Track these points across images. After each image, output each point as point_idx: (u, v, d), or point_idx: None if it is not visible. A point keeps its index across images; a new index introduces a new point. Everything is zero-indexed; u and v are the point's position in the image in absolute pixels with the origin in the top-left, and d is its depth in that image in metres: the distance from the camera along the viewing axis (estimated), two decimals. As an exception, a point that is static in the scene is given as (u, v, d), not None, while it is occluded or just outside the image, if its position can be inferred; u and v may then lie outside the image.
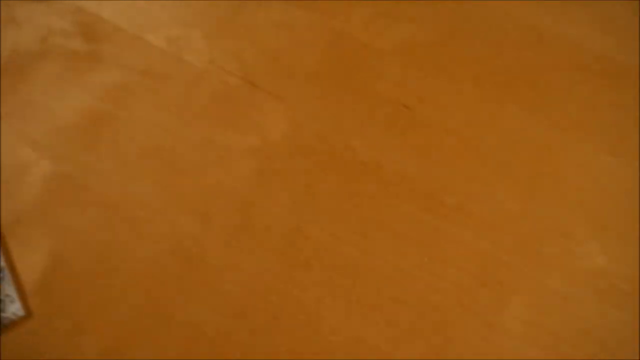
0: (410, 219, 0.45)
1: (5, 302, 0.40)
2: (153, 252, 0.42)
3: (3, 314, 0.39)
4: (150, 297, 0.40)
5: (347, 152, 0.49)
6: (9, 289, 0.41)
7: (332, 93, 0.53)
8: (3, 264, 0.42)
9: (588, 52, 0.56)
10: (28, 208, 0.46)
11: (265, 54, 0.57)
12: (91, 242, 0.44)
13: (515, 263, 0.42)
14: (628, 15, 0.59)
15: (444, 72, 0.55)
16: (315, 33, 0.58)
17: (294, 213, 0.45)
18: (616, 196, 0.46)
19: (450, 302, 0.40)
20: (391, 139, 0.50)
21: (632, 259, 0.43)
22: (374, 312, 0.39)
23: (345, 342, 0.39)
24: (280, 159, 0.49)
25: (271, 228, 0.45)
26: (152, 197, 0.46)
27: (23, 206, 0.46)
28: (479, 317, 0.39)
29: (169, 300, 0.41)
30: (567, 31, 0.58)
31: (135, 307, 0.40)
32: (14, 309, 0.40)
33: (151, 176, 0.48)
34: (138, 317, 0.39)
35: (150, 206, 0.46)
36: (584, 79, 0.54)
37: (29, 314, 0.40)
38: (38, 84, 0.55)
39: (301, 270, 0.43)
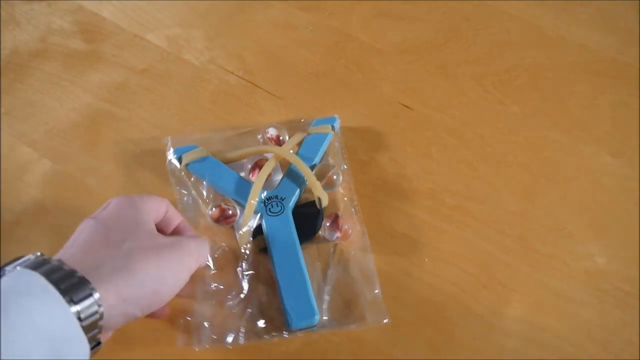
0: (410, 218, 0.45)
1: None
2: (153, 252, 0.42)
3: None
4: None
5: (347, 152, 0.49)
6: None
7: (333, 93, 0.53)
8: None
9: (588, 52, 0.56)
10: (28, 208, 0.46)
11: (265, 53, 0.57)
12: (91, 242, 0.43)
13: (515, 263, 0.43)
14: (628, 15, 0.59)
15: (444, 72, 0.55)
16: (315, 33, 0.58)
17: (294, 213, 0.45)
18: (616, 196, 0.46)
19: (450, 302, 0.40)
20: (391, 139, 0.50)
21: (632, 259, 0.43)
22: (375, 312, 0.39)
23: (346, 342, 0.39)
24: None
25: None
26: (152, 197, 0.46)
27: (23, 206, 0.46)
28: (479, 317, 0.39)
29: (169, 300, 0.41)
30: (567, 31, 0.58)
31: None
32: None
33: (151, 176, 0.48)
34: (138, 317, 0.39)
35: (150, 206, 0.46)
36: (584, 79, 0.54)
37: None
38: (38, 84, 0.55)
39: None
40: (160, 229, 0.38)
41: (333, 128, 0.48)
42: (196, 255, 0.35)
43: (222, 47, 0.57)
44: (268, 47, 0.57)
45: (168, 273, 0.32)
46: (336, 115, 0.49)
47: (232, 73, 0.55)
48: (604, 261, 0.43)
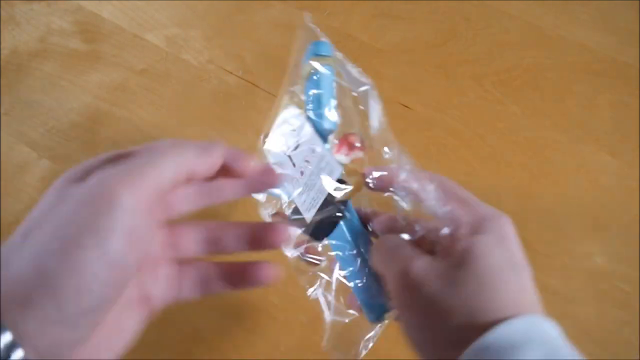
0: (410, 219, 0.45)
1: None
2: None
3: None
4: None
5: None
6: None
7: (332, 93, 0.53)
8: None
9: (588, 52, 0.56)
10: (28, 208, 0.46)
11: (265, 53, 0.57)
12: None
13: (515, 263, 0.42)
14: (628, 15, 0.59)
15: (444, 72, 0.55)
16: (315, 33, 0.58)
17: (293, 213, 0.45)
18: (615, 196, 0.46)
19: (450, 302, 0.40)
20: (391, 139, 0.50)
21: (632, 259, 0.43)
22: (374, 312, 0.39)
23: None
24: (280, 159, 0.49)
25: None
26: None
27: (23, 206, 0.46)
28: (479, 317, 0.39)
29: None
30: (567, 31, 0.58)
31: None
32: None
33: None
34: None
35: (149, 206, 0.46)
36: (584, 79, 0.54)
37: None
38: (37, 84, 0.55)
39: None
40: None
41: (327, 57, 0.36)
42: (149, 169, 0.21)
43: (221, 47, 0.57)
44: (267, 47, 0.57)
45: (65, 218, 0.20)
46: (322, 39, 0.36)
47: (232, 73, 0.55)
48: (603, 261, 0.43)
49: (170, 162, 0.22)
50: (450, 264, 0.25)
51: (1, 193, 0.47)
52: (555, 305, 0.40)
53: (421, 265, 0.26)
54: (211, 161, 0.25)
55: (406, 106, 0.52)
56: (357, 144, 0.34)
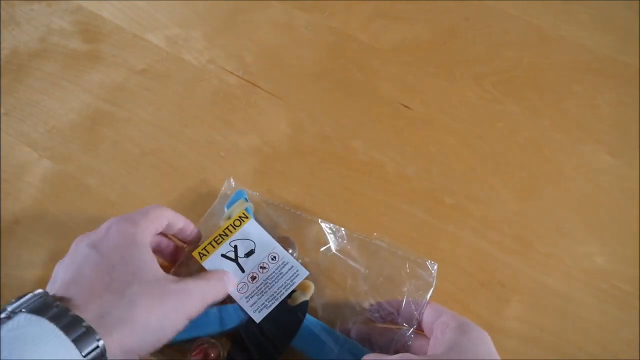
0: (410, 218, 0.45)
1: None
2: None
3: None
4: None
5: (347, 152, 0.49)
6: None
7: (332, 93, 0.53)
8: None
9: (588, 52, 0.56)
10: (28, 208, 0.46)
11: (265, 54, 0.57)
12: (91, 242, 0.43)
13: (515, 263, 0.43)
14: (627, 15, 0.59)
15: (444, 72, 0.55)
16: (315, 33, 0.58)
17: (293, 213, 0.45)
18: (615, 196, 0.46)
19: (449, 301, 0.40)
20: (391, 139, 0.50)
21: (632, 259, 0.43)
22: (374, 312, 0.39)
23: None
24: (280, 159, 0.49)
25: (271, 228, 0.45)
26: (152, 197, 0.46)
27: (23, 206, 0.46)
28: (479, 317, 0.40)
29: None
30: (566, 30, 0.58)
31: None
32: None
33: (151, 176, 0.48)
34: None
35: (150, 206, 0.46)
36: (583, 79, 0.54)
37: None
38: (38, 84, 0.55)
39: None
40: (162, 234, 0.38)
41: (246, 199, 0.43)
42: (200, 300, 0.33)
43: (222, 47, 0.57)
44: (268, 47, 0.57)
45: (169, 323, 0.31)
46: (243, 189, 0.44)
47: (232, 73, 0.55)
48: (602, 260, 0.43)
49: (162, 215, 0.36)
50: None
51: (1, 193, 0.47)
52: (555, 305, 0.41)
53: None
54: (181, 223, 0.38)
55: (406, 106, 0.52)
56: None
